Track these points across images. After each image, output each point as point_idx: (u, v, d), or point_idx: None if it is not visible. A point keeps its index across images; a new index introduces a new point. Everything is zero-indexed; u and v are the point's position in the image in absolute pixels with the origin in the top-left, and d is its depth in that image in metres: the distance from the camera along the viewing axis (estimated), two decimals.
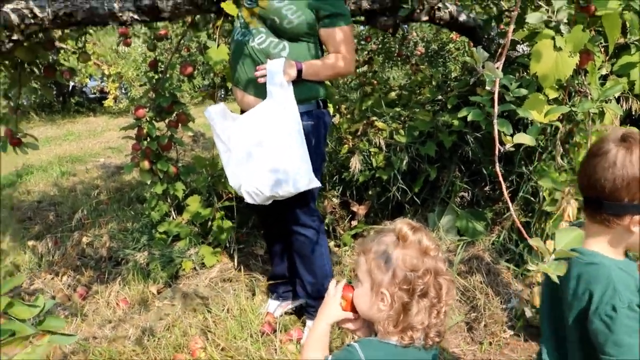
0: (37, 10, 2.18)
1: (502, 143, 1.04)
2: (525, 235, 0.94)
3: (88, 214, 4.11)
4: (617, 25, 2.19)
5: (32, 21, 2.20)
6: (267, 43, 2.16)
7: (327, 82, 2.40)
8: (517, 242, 2.98)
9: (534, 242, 0.86)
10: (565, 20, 0.94)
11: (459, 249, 3.02)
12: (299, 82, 2.13)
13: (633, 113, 2.86)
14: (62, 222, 4.11)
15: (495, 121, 0.95)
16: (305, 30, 2.14)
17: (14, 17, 2.14)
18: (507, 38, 0.83)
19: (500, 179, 1.02)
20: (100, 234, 3.59)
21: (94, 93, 13.39)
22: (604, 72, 2.48)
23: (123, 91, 11.71)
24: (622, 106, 2.80)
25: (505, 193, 1.10)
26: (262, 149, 2.11)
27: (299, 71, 2.12)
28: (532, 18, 0.91)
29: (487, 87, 1.03)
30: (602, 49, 2.56)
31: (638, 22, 2.47)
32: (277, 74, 2.07)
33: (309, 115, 2.20)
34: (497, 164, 0.96)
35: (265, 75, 2.09)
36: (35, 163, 6.46)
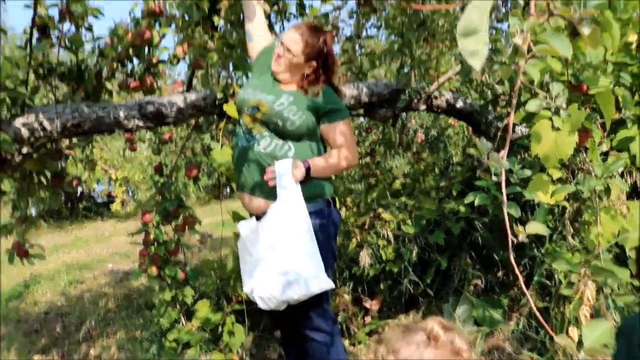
0: (46, 123, 2.23)
1: (514, 234, 1.02)
2: (549, 331, 0.90)
3: (96, 324, 4.02)
4: (611, 102, 2.23)
5: (42, 134, 2.25)
6: (273, 146, 2.18)
7: (332, 177, 2.40)
8: (537, 329, 2.87)
9: (561, 339, 0.81)
10: (564, 106, 0.95)
11: (478, 340, 2.91)
12: (306, 181, 2.13)
13: (639, 186, 2.84)
14: (69, 334, 4.01)
15: (505, 212, 0.93)
16: (307, 129, 2.18)
17: (24, 131, 2.20)
18: (508, 124, 0.84)
19: (517, 272, 0.99)
20: (109, 344, 3.50)
21: (102, 197, 13.55)
22: (604, 148, 2.50)
23: (130, 194, 11.84)
24: (626, 180, 2.79)
25: (523, 285, 1.07)
26: (274, 251, 2.08)
27: (307, 170, 2.13)
28: (532, 106, 0.93)
29: (494, 178, 1.03)
30: (599, 126, 2.59)
31: (630, 97, 2.52)
32: (284, 175, 2.09)
33: (317, 214, 2.17)
34: (512, 255, 0.94)
35: (275, 178, 2.11)
36: (43, 272, 6.40)
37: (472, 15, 0.61)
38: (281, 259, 2.06)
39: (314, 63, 2.22)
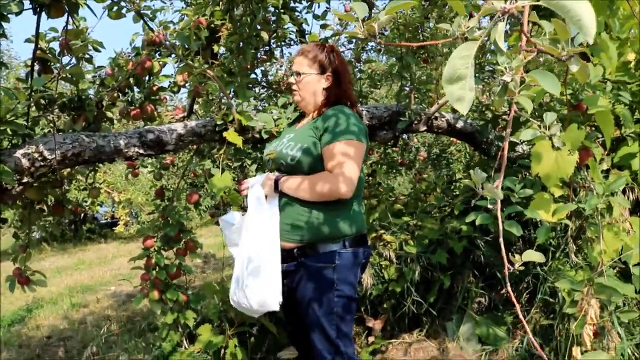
0: (46, 153, 2.24)
1: (511, 263, 1.02)
2: (544, 356, 0.89)
3: (98, 348, 4.00)
4: (610, 121, 2.24)
5: (42, 164, 2.26)
6: None
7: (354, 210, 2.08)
8: (541, 345, 2.85)
9: None
10: (558, 134, 0.96)
11: (483, 358, 2.89)
12: (323, 220, 1.96)
13: None
14: (71, 359, 3.99)
15: (501, 240, 0.94)
16: (313, 159, 1.99)
17: (24, 162, 2.21)
18: (502, 154, 0.84)
19: (517, 305, 0.99)
20: None
21: (105, 219, 13.59)
22: (605, 167, 2.50)
23: (133, 216, 11.87)
24: (628, 197, 2.79)
25: (521, 315, 1.06)
26: (241, 257, 2.03)
27: (276, 182, 2.02)
28: (526, 135, 0.93)
29: (489, 205, 1.03)
30: (599, 144, 2.60)
31: (630, 115, 2.54)
32: (255, 186, 2.05)
33: (328, 257, 1.97)
34: (508, 286, 0.94)
35: (247, 189, 2.08)
36: (46, 296, 6.39)
37: (457, 63, 0.61)
38: (245, 266, 1.99)
39: (329, 75, 2.11)
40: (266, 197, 2.05)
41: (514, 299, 1.04)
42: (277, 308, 1.96)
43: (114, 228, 12.01)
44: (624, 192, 2.83)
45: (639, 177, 2.61)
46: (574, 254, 2.66)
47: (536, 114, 2.28)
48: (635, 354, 2.59)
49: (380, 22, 0.72)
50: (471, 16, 0.82)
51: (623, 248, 2.24)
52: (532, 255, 1.02)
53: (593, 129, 2.50)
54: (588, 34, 0.55)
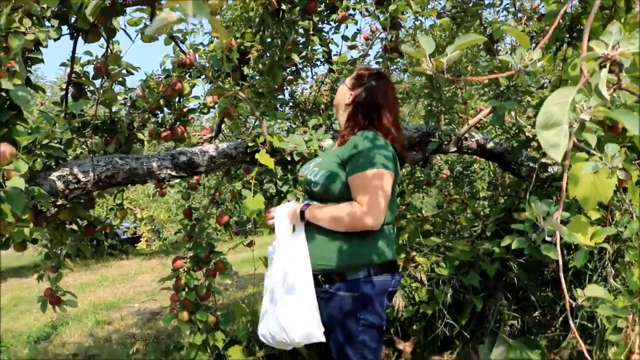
0: (81, 176, 2.25)
1: (573, 298, 0.99)
2: None
3: None
4: None
5: (76, 186, 2.27)
6: None
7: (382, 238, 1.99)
8: None
9: None
10: (620, 166, 0.93)
11: None
12: (347, 247, 1.90)
13: None
14: None
15: (561, 275, 0.91)
16: (341, 185, 1.93)
17: (59, 184, 2.22)
18: (561, 192, 0.81)
19: (574, 329, 0.95)
20: None
21: (127, 234, 13.69)
22: None
23: (155, 232, 11.94)
24: None
25: (573, 326, 1.03)
26: (271, 291, 1.99)
27: (302, 213, 1.96)
28: (587, 168, 0.90)
29: (548, 238, 1.01)
30: (638, 166, 2.54)
31: None
32: (281, 216, 2.01)
33: (351, 285, 1.91)
34: (572, 321, 0.90)
35: (274, 218, 2.03)
36: (71, 313, 6.42)
37: (552, 109, 0.59)
38: (275, 299, 1.95)
39: (353, 94, 2.06)
40: (294, 227, 2.01)
41: (577, 335, 1.01)
42: (323, 338, 1.89)
43: (135, 244, 12.08)
44: None
45: None
46: (612, 278, 2.60)
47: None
48: None
49: (449, 58, 0.70)
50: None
51: None
52: (597, 291, 0.98)
53: (630, 150, 2.45)
54: None
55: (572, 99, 0.57)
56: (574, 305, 0.93)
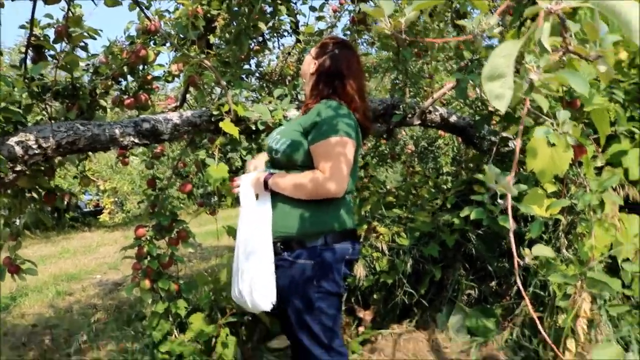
0: (41, 141, 2.21)
1: (520, 257, 1.04)
2: (548, 340, 0.91)
3: (86, 337, 3.98)
4: (606, 119, 2.28)
5: (37, 152, 2.23)
6: None
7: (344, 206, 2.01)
8: (530, 338, 2.90)
9: None
10: (570, 132, 0.97)
11: (472, 349, 2.93)
12: (307, 215, 1.91)
13: (630, 199, 2.89)
14: (58, 347, 3.97)
15: (512, 237, 0.95)
16: (299, 155, 1.93)
17: (18, 150, 2.18)
18: (515, 152, 0.85)
19: (525, 296, 1.00)
20: (100, 357, 3.47)
21: (89, 207, 13.46)
22: (599, 163, 2.53)
23: (118, 204, 11.78)
24: (618, 193, 2.83)
25: (528, 303, 1.08)
26: (237, 256, 2.00)
27: (265, 182, 1.95)
28: (539, 132, 0.94)
29: (500, 201, 1.05)
30: (593, 141, 2.63)
31: (623, 113, 2.58)
32: (246, 185, 2.00)
33: (310, 252, 1.91)
34: (519, 280, 0.95)
35: (239, 187, 2.02)
36: (31, 284, 6.32)
37: (498, 61, 0.62)
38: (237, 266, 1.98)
39: (315, 66, 2.05)
40: (257, 195, 2.01)
41: (524, 293, 1.06)
42: (267, 308, 1.90)
43: (98, 216, 11.90)
44: (614, 189, 2.87)
45: (630, 173, 2.65)
46: (565, 249, 2.70)
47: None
48: (622, 346, 2.65)
49: (407, 19, 0.72)
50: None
51: (613, 244, 2.29)
52: (542, 250, 1.03)
53: (586, 125, 2.53)
54: (636, 37, 0.55)
55: (517, 52, 0.60)
56: (521, 264, 0.98)
